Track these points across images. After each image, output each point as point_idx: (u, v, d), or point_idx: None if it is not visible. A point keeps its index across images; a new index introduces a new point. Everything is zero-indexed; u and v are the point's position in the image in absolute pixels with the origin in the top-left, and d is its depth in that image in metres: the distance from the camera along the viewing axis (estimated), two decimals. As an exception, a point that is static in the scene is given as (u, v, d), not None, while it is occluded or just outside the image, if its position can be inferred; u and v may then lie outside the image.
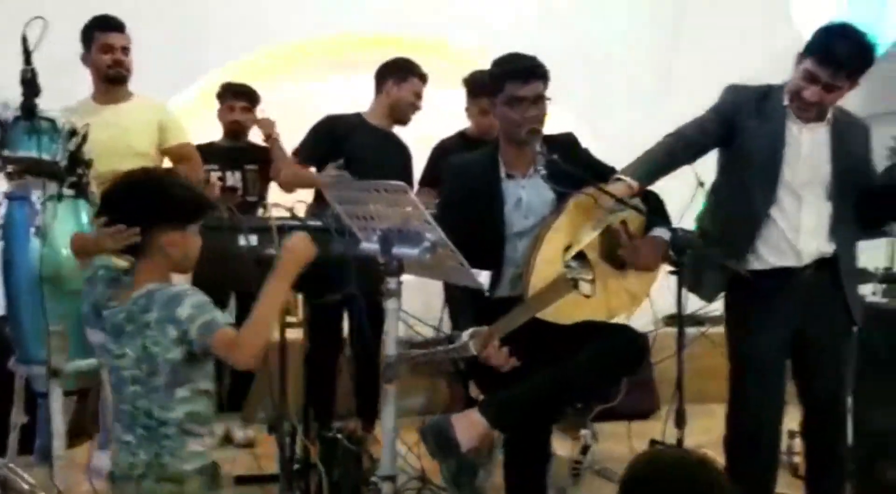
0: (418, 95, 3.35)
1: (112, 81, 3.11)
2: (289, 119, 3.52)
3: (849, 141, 2.49)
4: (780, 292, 2.47)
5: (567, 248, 2.34)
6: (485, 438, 2.15)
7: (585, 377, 2.20)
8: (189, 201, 1.82)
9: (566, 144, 2.49)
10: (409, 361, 2.18)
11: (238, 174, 3.69)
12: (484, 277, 1.99)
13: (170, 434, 1.74)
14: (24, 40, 2.50)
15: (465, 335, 2.18)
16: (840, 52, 2.29)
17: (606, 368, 2.22)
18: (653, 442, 3.24)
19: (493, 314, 2.24)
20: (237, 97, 3.72)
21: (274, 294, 1.77)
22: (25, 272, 2.54)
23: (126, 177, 1.86)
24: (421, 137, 3.62)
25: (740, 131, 2.48)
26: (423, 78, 3.36)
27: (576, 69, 4.45)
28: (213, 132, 3.82)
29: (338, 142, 3.17)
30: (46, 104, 2.58)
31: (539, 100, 2.37)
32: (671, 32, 4.64)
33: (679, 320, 2.22)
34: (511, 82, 2.35)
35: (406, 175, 3.39)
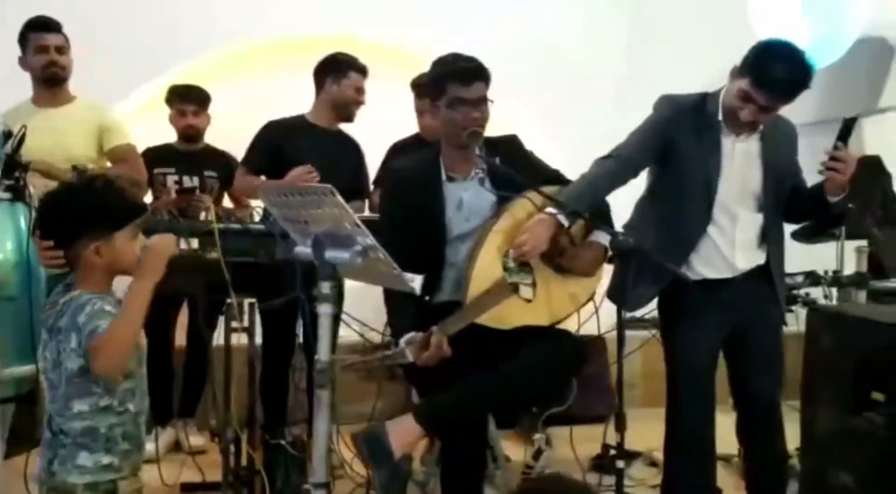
0: (360, 90, 3.27)
1: (49, 81, 3.05)
2: (259, 118, 3.42)
3: (778, 148, 2.50)
4: (712, 299, 2.48)
5: (507, 252, 2.32)
6: (419, 444, 2.13)
7: (521, 383, 2.18)
8: (105, 211, 1.80)
9: (509, 147, 2.47)
10: (345, 367, 2.16)
11: (196, 179, 3.65)
12: (417, 282, 1.97)
13: (65, 444, 1.74)
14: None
15: (403, 341, 2.17)
16: (778, 76, 2.29)
17: (543, 373, 2.19)
18: (604, 446, 3.24)
19: (434, 320, 2.22)
20: (186, 101, 3.67)
21: (135, 297, 1.73)
22: (-40, 277, 2.49)
23: (45, 196, 1.86)
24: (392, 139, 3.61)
25: (676, 147, 2.47)
26: (363, 71, 3.28)
27: (537, 70, 4.47)
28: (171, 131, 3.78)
29: (280, 147, 3.13)
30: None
31: (482, 102, 2.33)
32: (630, 34, 4.65)
33: (619, 324, 2.22)
34: (453, 84, 2.31)
35: (359, 174, 3.36)
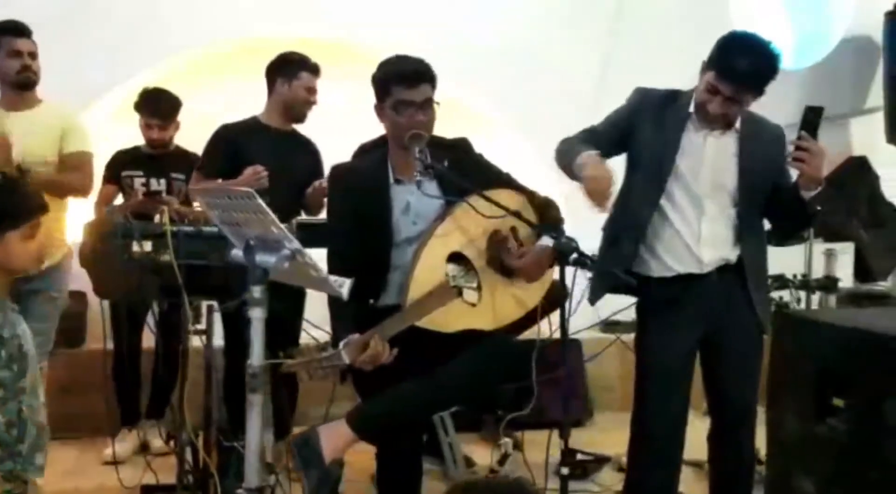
0: (311, 91, 3.25)
1: (21, 86, 3.08)
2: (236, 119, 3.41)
3: (757, 148, 2.47)
4: (684, 299, 2.46)
5: (452, 255, 2.30)
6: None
7: (455, 389, 2.16)
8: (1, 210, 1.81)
9: (458, 150, 2.45)
10: (286, 369, 2.15)
11: (163, 181, 3.66)
12: (346, 286, 1.96)
13: None
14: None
15: (340, 343, 2.15)
16: (741, 68, 2.29)
17: (477, 379, 2.17)
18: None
19: (377, 322, 2.20)
20: (152, 116, 3.64)
21: None
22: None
23: None
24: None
25: (635, 136, 2.48)
26: (314, 71, 3.25)
27: (512, 69, 4.43)
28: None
29: (235, 150, 3.12)
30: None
31: (427, 104, 2.30)
32: (610, 36, 4.60)
33: (562, 329, 2.18)
34: (398, 86, 2.28)
35: (316, 174, 3.32)
